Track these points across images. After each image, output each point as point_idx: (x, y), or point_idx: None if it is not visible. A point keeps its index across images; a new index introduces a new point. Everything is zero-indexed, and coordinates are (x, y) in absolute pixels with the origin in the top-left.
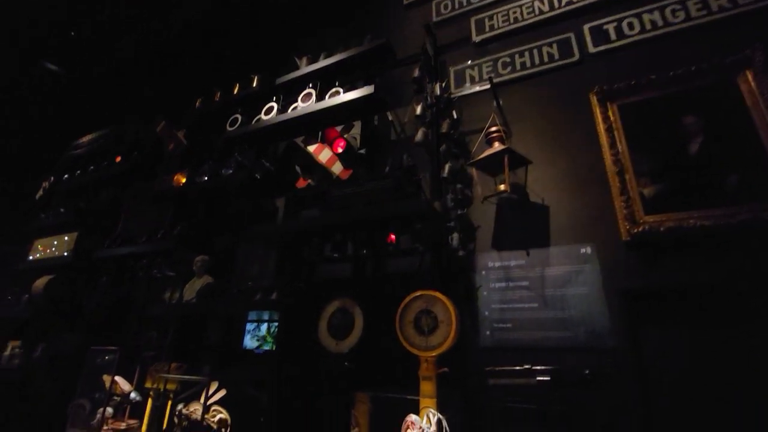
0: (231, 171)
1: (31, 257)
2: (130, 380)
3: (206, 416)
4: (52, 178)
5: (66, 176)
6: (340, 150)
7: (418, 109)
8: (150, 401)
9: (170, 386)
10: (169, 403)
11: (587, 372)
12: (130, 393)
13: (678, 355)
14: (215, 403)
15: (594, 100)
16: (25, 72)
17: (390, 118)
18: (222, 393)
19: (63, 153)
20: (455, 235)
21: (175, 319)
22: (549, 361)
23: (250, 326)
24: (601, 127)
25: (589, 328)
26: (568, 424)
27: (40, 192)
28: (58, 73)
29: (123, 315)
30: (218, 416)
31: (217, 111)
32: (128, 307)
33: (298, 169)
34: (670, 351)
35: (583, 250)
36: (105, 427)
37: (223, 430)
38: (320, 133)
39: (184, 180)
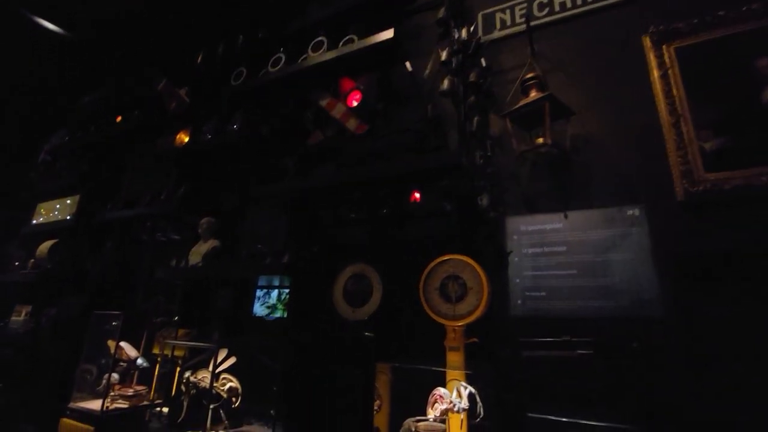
0: (236, 127)
1: (34, 221)
2: (137, 346)
3: (215, 384)
4: (53, 140)
5: (67, 138)
6: (355, 103)
7: (444, 55)
8: (158, 367)
9: (178, 353)
10: (177, 369)
11: (635, 344)
12: (136, 359)
13: (737, 329)
14: (224, 371)
15: (647, 42)
16: (20, 32)
17: (409, 69)
18: (231, 361)
19: (63, 115)
20: (485, 196)
21: (182, 284)
22: (587, 332)
23: (259, 292)
24: (654, 74)
25: (635, 297)
26: (611, 400)
27: (42, 155)
28: (55, 32)
29: (129, 280)
30: (228, 385)
31: (221, 64)
32: (134, 272)
33: (309, 125)
34: (729, 324)
35: (630, 212)
36: (112, 393)
37: (233, 399)
38: (334, 89)
39: (187, 139)
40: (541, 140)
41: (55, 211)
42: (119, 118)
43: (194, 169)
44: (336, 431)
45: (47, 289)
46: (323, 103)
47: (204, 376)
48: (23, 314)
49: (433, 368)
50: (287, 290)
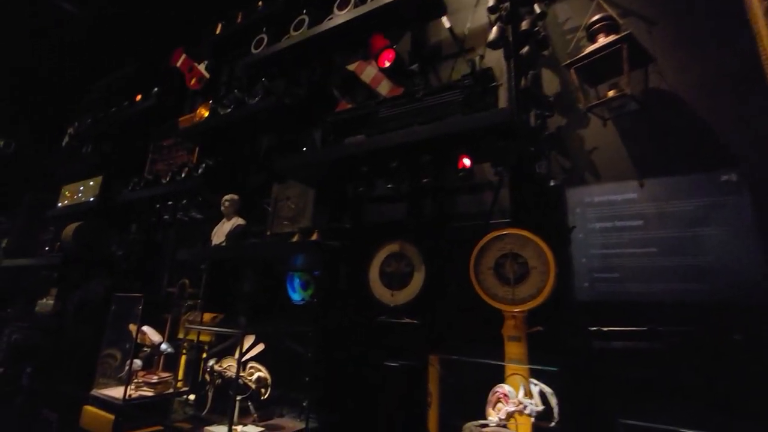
0: (258, 99)
1: (60, 204)
2: (161, 331)
3: (242, 374)
4: (77, 123)
5: (89, 120)
6: (387, 64)
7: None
8: (183, 354)
9: (204, 338)
10: (204, 355)
11: (738, 336)
12: (160, 344)
13: None
14: (252, 359)
15: None
16: (38, 14)
17: (447, 25)
18: (259, 348)
19: (85, 96)
20: (543, 161)
21: (206, 266)
22: (670, 320)
23: (288, 275)
24: (757, 10)
25: (732, 280)
26: (709, 401)
27: (66, 138)
28: (71, 11)
29: (153, 261)
30: (256, 374)
31: (240, 33)
32: (158, 253)
33: (336, 92)
34: None
35: (725, 178)
36: (136, 380)
37: (262, 390)
38: (363, 51)
39: (206, 114)
40: (612, 93)
41: (79, 193)
42: (139, 97)
43: (216, 145)
44: (380, 429)
45: (73, 272)
46: (351, 67)
47: (230, 365)
48: (51, 297)
49: (491, 362)
50: (317, 272)
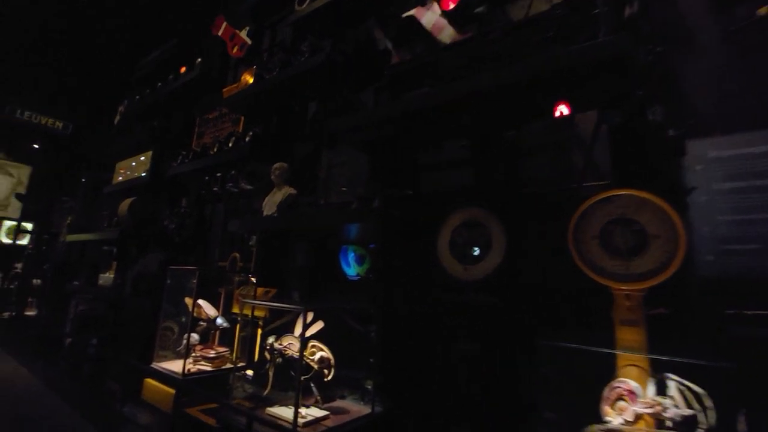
0: (305, 58)
1: (114, 181)
2: (215, 305)
3: (304, 353)
4: (126, 101)
5: (138, 97)
6: (452, 6)
7: None
8: (238, 328)
9: (258, 313)
10: (259, 331)
11: None
12: (215, 318)
13: None
14: (312, 337)
15: None
16: None
17: None
18: (319, 326)
19: (134, 74)
20: (657, 107)
21: (256, 239)
22: None
23: (338, 248)
24: None
25: None
26: None
27: (117, 117)
28: None
29: (205, 234)
30: (318, 354)
31: None
32: (209, 226)
33: (389, 45)
34: None
35: None
36: (194, 354)
37: (325, 371)
38: None
39: (251, 80)
40: (764, 10)
41: (131, 169)
42: (183, 69)
43: (262, 113)
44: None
45: (129, 246)
46: (409, 12)
47: (290, 343)
48: (112, 271)
49: (603, 350)
50: (373, 245)
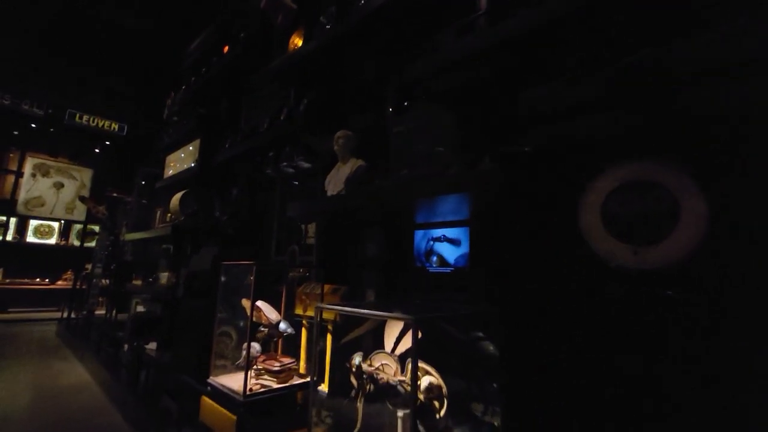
0: (363, 2)
1: (165, 176)
2: (276, 306)
3: (402, 378)
4: (173, 93)
5: (184, 87)
6: None
7: None
8: (304, 334)
9: (327, 315)
10: (329, 338)
11: None
12: (278, 323)
13: None
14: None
15: None
16: None
17: None
18: (408, 340)
19: (180, 65)
20: None
21: (319, 224)
22: None
23: (418, 233)
24: None
25: None
26: None
27: (166, 110)
28: None
29: (261, 225)
30: (426, 379)
31: None
32: (265, 215)
33: None
34: None
35: None
36: (255, 367)
37: (435, 403)
38: None
39: (300, 42)
40: None
41: (180, 161)
42: (226, 49)
43: (317, 76)
44: None
45: (183, 242)
46: None
47: (385, 363)
48: (166, 270)
49: None
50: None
